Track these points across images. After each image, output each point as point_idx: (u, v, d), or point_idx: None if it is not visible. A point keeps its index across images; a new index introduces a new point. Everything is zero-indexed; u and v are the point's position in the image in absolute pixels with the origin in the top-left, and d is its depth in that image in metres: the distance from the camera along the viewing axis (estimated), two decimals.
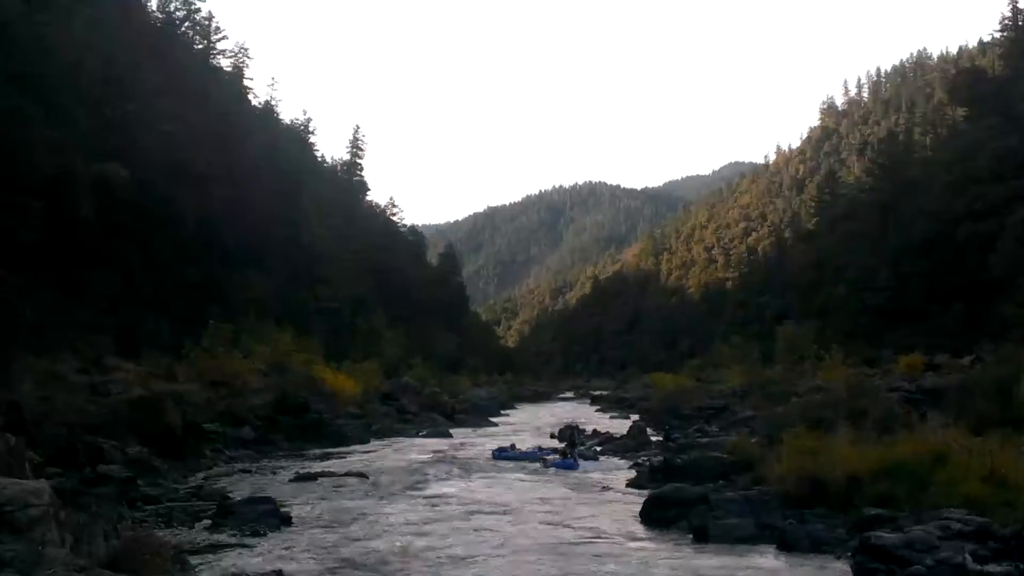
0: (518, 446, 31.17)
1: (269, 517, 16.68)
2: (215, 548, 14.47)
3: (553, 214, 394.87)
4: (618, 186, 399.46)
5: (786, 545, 13.77)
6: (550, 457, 28.06)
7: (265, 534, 15.64)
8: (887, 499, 13.82)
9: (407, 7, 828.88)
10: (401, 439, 38.53)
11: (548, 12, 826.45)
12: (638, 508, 17.29)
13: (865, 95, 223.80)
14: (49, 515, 6.65)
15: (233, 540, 15.14)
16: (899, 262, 69.30)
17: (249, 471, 26.48)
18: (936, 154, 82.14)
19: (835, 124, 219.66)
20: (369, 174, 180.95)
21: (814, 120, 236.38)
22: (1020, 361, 19.95)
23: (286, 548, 14.50)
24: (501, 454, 29.69)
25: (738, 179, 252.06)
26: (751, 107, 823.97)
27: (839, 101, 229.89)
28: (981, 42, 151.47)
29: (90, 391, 28.35)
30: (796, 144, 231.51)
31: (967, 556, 10.77)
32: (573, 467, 26.38)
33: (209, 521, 16.98)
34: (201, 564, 12.97)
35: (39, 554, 6.27)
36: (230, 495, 20.14)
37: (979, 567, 10.61)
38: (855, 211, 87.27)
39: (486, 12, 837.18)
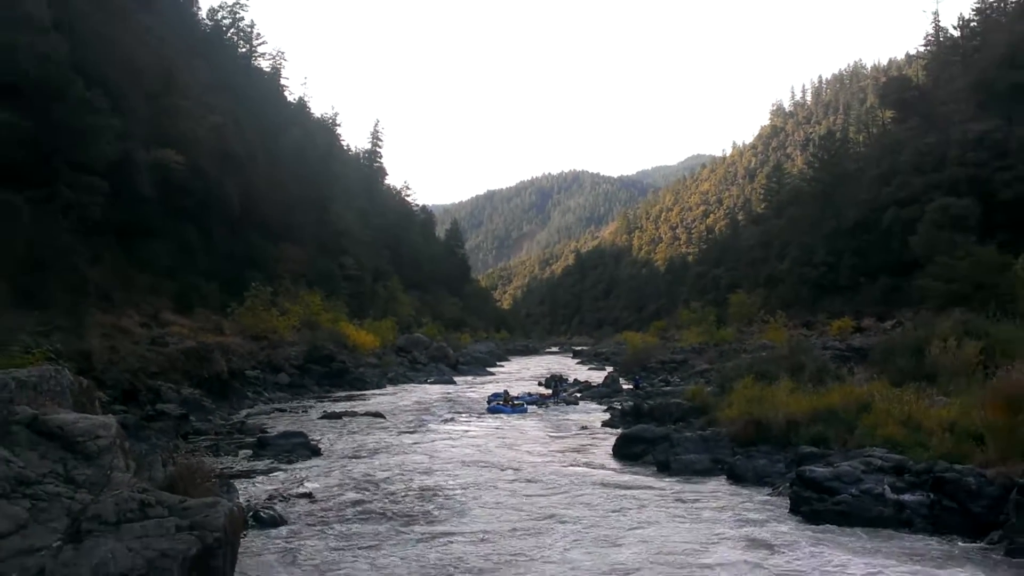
0: (510, 392, 31.20)
1: (301, 448, 16.79)
2: (255, 473, 14.57)
3: (542, 197, 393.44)
4: (598, 174, 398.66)
5: (735, 477, 13.89)
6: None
7: (297, 462, 15.74)
8: (820, 439, 13.90)
9: (425, 26, 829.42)
10: (412, 385, 38.67)
11: (542, 28, 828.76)
12: (611, 445, 17.40)
13: (808, 99, 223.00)
14: (115, 445, 6.66)
15: (270, 467, 15.24)
16: (834, 242, 69.28)
17: (284, 410, 26.60)
18: (867, 150, 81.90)
19: (782, 123, 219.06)
20: (387, 161, 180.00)
21: (765, 119, 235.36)
22: (933, 326, 20.00)
23: (315, 474, 14.58)
24: (495, 398, 29.35)
25: (699, 169, 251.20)
26: (712, 108, 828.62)
27: (786, 104, 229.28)
28: (908, 55, 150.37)
29: (150, 343, 28.34)
30: (749, 140, 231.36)
31: (886, 487, 10.87)
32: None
33: (250, 451, 17.09)
34: (243, 487, 13.06)
35: (107, 477, 6.29)
36: (268, 429, 20.25)
37: (896, 496, 10.70)
38: (798, 198, 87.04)
39: (490, 28, 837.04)
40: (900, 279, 55.95)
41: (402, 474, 14.65)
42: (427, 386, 38.09)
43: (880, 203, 62.38)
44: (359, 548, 9.72)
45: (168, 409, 21.32)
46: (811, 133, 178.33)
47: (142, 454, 8.64)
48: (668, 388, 29.13)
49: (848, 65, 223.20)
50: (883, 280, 60.04)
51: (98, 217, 30.44)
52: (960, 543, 9.73)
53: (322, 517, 11.26)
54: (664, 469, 14.83)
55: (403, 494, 12.91)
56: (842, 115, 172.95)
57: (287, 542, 9.90)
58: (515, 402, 27.41)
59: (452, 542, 10.06)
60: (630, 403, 23.74)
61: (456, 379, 42.89)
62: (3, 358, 13.10)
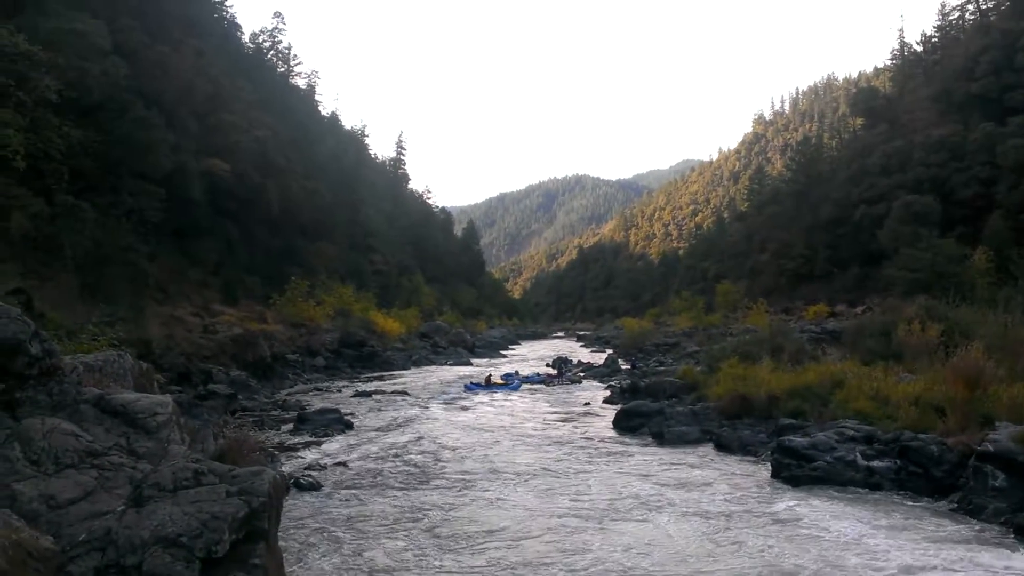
0: (521, 372, 31.14)
1: (336, 423, 16.84)
2: (295, 446, 14.62)
3: (548, 198, 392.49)
4: (598, 177, 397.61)
5: (722, 446, 13.86)
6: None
7: (333, 436, 15.79)
8: (798, 412, 13.87)
9: (445, 50, 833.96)
10: (434, 367, 38.68)
11: (548, 48, 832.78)
12: (611, 418, 17.38)
13: (787, 108, 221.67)
14: (172, 421, 6.69)
15: (309, 440, 15.29)
16: (810, 236, 68.91)
17: (321, 389, 26.66)
18: (840, 154, 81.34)
19: (763, 130, 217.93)
20: (410, 168, 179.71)
21: (748, 127, 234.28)
22: (899, 311, 19.89)
23: (348, 445, 14.63)
24: (508, 377, 28.86)
25: (689, 172, 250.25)
26: (700, 117, 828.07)
27: (767, 113, 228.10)
28: (876, 68, 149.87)
29: (202, 330, 28.50)
30: (734, 146, 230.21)
31: (857, 454, 10.84)
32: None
33: (291, 426, 17.15)
34: (285, 457, 13.12)
35: (165, 449, 6.32)
36: (306, 407, 20.31)
37: (866, 463, 10.68)
38: (777, 197, 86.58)
39: (501, 49, 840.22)
40: (869, 269, 55.65)
41: (423, 444, 14.69)
42: (447, 367, 38.10)
43: (851, 201, 61.99)
44: (384, 508, 9.78)
45: (218, 389, 21.44)
46: (789, 139, 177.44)
47: (196, 429, 8.67)
48: (662, 368, 29.04)
49: (822, 78, 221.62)
50: (854, 270, 59.72)
51: (156, 220, 30.59)
52: (924, 503, 9.70)
53: (354, 483, 11.31)
54: (658, 439, 14.81)
55: (423, 462, 12.95)
56: (817, 123, 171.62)
57: (323, 505, 9.96)
58: (494, 381, 26.65)
59: (461, 501, 10.13)
60: (628, 381, 23.67)
61: (473, 361, 42.88)
62: (73, 344, 13.20)
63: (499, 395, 24.26)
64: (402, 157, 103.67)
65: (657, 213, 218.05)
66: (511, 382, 27.02)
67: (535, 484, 11.19)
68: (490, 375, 28.17)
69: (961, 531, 8.50)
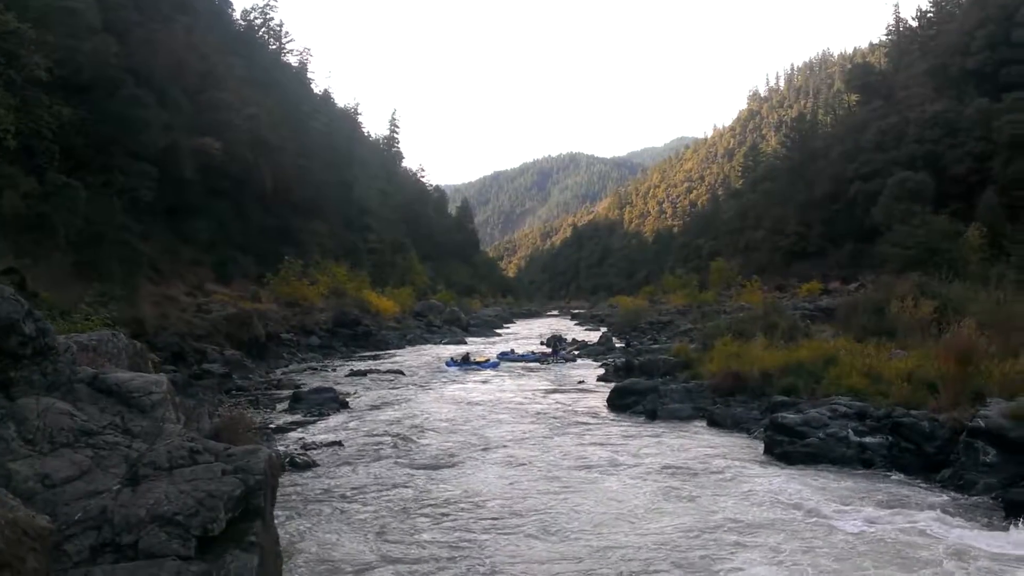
0: (516, 350, 31.18)
1: (331, 402, 16.86)
2: (290, 425, 14.65)
3: (543, 176, 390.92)
4: (592, 155, 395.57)
5: (715, 423, 13.94)
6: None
7: (328, 415, 15.82)
8: (791, 389, 13.93)
9: (439, 26, 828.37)
10: (428, 346, 38.69)
11: (545, 23, 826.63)
12: (605, 396, 17.43)
13: (781, 84, 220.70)
14: (167, 400, 6.69)
15: (304, 419, 15.32)
16: (804, 213, 68.99)
17: (315, 368, 26.68)
18: (834, 130, 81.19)
19: (758, 107, 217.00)
20: (403, 146, 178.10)
21: (742, 104, 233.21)
22: (892, 287, 19.93)
23: (343, 424, 14.67)
24: (503, 356, 29.23)
25: (684, 149, 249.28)
26: (694, 94, 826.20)
27: (761, 89, 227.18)
28: (871, 44, 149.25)
29: (195, 309, 28.42)
30: (728, 123, 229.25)
31: (850, 431, 10.92)
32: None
33: (286, 405, 17.17)
34: (280, 436, 13.16)
35: (160, 428, 6.33)
36: (301, 386, 20.32)
37: (858, 439, 10.76)
38: (772, 174, 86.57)
39: (496, 25, 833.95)
40: (863, 245, 55.78)
41: (416, 422, 14.73)
42: (442, 346, 38.07)
43: (846, 177, 62.06)
44: (378, 484, 9.85)
45: (213, 368, 21.44)
46: (784, 116, 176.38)
47: (190, 408, 8.70)
48: (656, 346, 29.05)
49: (817, 54, 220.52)
50: (848, 247, 59.86)
51: (148, 198, 30.44)
52: (915, 479, 9.79)
53: (349, 461, 11.35)
54: (652, 417, 14.88)
55: (416, 439, 13.01)
56: (812, 99, 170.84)
57: (319, 483, 10.01)
58: (475, 358, 26.74)
59: (453, 476, 10.23)
60: (622, 359, 23.65)
61: (468, 340, 42.87)
62: (67, 324, 13.17)
63: (488, 372, 24.27)
64: (395, 135, 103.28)
65: (651, 191, 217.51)
66: (491, 360, 27.05)
67: (522, 460, 11.25)
68: (468, 353, 28.18)
69: (952, 506, 8.58)
